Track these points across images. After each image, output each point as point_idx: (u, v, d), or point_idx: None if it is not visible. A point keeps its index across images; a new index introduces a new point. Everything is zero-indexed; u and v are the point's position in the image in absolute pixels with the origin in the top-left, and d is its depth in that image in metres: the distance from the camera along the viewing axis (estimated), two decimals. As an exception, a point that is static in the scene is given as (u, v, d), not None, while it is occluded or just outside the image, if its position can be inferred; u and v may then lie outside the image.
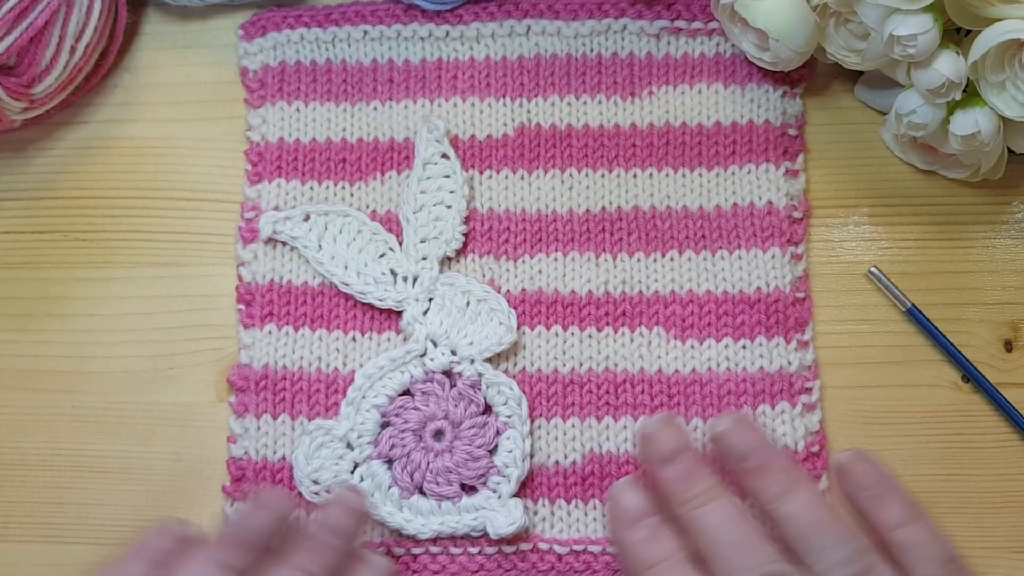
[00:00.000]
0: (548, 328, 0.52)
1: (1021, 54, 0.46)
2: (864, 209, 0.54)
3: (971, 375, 0.52)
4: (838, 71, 0.55)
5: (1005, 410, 0.51)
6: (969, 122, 0.48)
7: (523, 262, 0.53)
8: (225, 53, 0.57)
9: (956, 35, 0.49)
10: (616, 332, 0.52)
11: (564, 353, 0.52)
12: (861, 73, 0.54)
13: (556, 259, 0.53)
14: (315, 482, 0.50)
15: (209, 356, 0.54)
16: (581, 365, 0.52)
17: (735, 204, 0.53)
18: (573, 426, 0.51)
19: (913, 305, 0.52)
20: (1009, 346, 0.53)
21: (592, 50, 0.55)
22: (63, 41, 0.52)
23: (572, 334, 0.52)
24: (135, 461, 0.53)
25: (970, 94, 0.49)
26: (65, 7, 0.51)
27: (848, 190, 0.54)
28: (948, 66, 0.47)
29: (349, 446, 0.50)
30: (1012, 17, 0.45)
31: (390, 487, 0.50)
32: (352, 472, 0.50)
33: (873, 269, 0.53)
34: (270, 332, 0.52)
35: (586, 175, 0.54)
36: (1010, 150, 0.51)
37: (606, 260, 0.53)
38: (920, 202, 0.54)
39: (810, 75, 0.55)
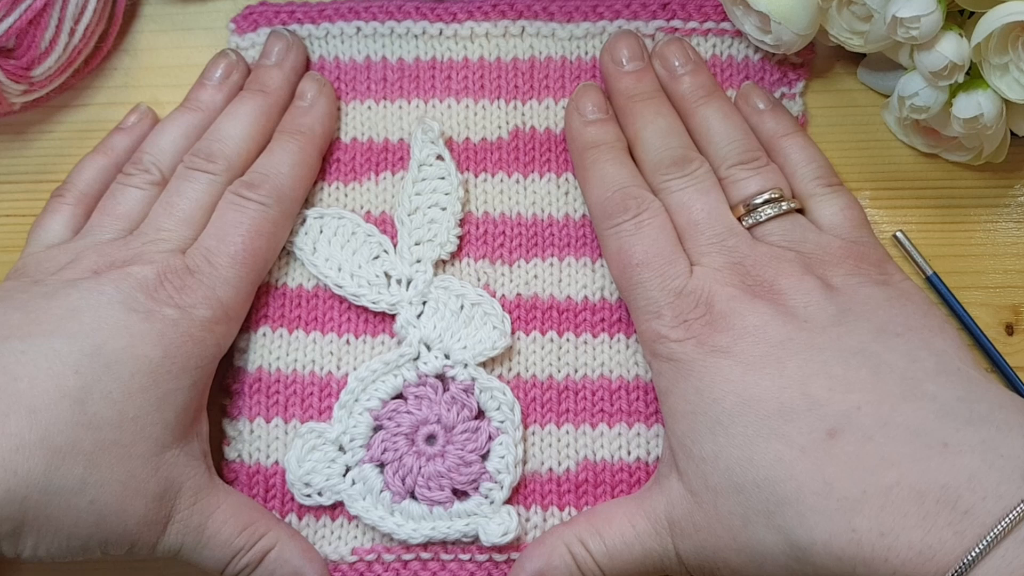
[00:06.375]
0: (543, 334, 0.52)
1: (1024, 36, 0.46)
2: (866, 192, 0.54)
3: (985, 350, 0.52)
4: (840, 53, 0.54)
5: (1016, 386, 0.51)
6: (972, 105, 0.48)
7: (518, 266, 0.53)
8: (225, 35, 0.56)
9: (959, 17, 0.48)
10: (611, 338, 0.52)
11: (559, 359, 0.52)
12: (863, 55, 0.54)
13: (551, 264, 0.53)
14: (307, 484, 0.50)
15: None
16: (576, 371, 0.52)
17: None
18: (567, 433, 0.51)
19: (934, 272, 0.52)
20: (1010, 330, 0.53)
21: (587, 52, 0.54)
22: (62, 23, 0.51)
23: (567, 340, 0.52)
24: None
25: (973, 77, 0.48)
26: (64, -12, 0.51)
27: (850, 173, 0.54)
28: (951, 48, 0.46)
29: (341, 449, 0.50)
30: (1015, -1, 0.45)
31: (381, 491, 0.49)
32: (344, 475, 0.50)
33: (898, 233, 0.52)
34: (264, 335, 0.52)
35: (582, 179, 0.53)
36: (1013, 133, 0.51)
37: (601, 265, 0.52)
38: (922, 185, 0.54)
39: (807, 73, 0.54)
